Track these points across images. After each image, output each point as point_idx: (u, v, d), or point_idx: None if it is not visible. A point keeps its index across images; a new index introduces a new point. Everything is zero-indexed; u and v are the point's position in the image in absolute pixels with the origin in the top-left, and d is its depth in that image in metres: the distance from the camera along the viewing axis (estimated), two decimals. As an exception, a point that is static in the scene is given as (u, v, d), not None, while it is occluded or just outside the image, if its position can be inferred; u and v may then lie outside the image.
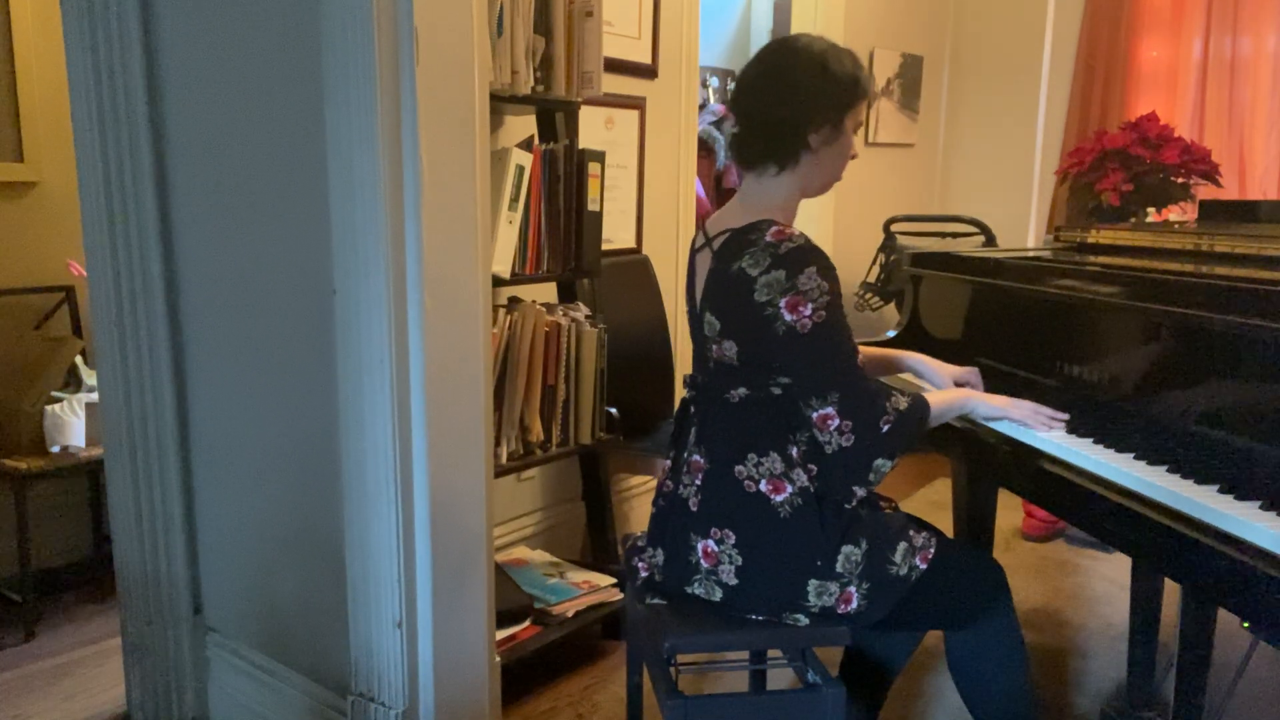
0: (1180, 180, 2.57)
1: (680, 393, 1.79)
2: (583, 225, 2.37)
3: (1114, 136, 2.63)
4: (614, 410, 2.51)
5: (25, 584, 2.59)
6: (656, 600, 1.68)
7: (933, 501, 3.68)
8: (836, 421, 1.50)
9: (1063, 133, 4.31)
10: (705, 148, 4.39)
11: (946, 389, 1.79)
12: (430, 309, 1.66)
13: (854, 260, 3.82)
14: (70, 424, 2.66)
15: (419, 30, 1.58)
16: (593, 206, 2.38)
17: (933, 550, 1.61)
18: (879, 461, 1.53)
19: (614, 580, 2.54)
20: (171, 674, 2.17)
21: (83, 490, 2.99)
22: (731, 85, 4.66)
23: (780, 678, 2.16)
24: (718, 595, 1.60)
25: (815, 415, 1.52)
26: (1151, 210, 2.61)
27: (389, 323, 1.64)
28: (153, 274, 2.04)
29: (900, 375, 1.96)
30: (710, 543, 1.59)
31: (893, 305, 3.68)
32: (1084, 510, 1.51)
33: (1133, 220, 2.56)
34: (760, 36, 4.70)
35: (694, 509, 1.62)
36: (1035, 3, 4.31)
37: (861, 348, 1.61)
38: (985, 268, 2.12)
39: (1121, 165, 2.57)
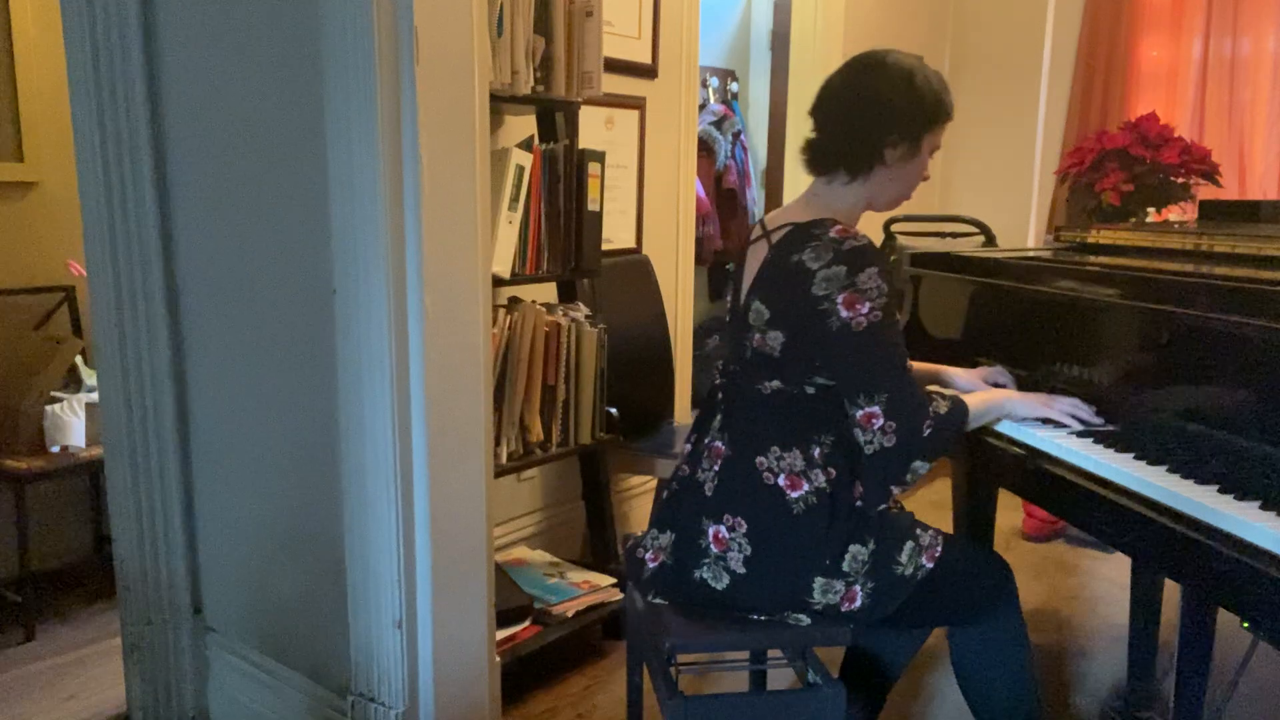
0: (1180, 180, 2.57)
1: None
2: (583, 225, 2.37)
3: (1114, 136, 2.62)
4: (614, 410, 2.51)
5: (25, 584, 2.59)
6: (657, 599, 1.68)
7: (933, 501, 3.67)
8: (881, 421, 1.51)
9: (1063, 133, 4.31)
10: (705, 148, 4.39)
11: (978, 389, 1.78)
12: (430, 309, 1.66)
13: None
14: (70, 424, 2.66)
15: (419, 29, 1.58)
16: (593, 206, 2.38)
17: (939, 549, 1.62)
18: (917, 463, 1.55)
19: (614, 580, 2.54)
20: (171, 674, 2.17)
21: (83, 490, 2.99)
22: (733, 85, 4.69)
23: (780, 678, 2.16)
24: (725, 582, 1.60)
25: (860, 413, 1.52)
26: (1151, 210, 2.61)
27: (389, 323, 1.64)
28: (153, 274, 2.04)
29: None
30: (722, 528, 1.59)
31: (893, 305, 3.67)
32: (1084, 510, 1.50)
33: (1133, 220, 2.56)
34: (760, 36, 4.70)
35: (709, 493, 1.63)
36: (1035, 3, 4.31)
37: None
38: (985, 268, 2.11)
39: (1121, 165, 2.57)
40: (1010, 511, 3.34)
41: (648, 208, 3.13)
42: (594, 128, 2.84)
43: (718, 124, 4.50)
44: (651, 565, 1.68)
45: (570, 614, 2.40)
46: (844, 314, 1.50)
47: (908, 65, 1.61)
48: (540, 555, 2.71)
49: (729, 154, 4.52)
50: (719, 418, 1.69)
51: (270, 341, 1.91)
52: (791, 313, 1.56)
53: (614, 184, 2.96)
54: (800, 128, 4.13)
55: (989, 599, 1.67)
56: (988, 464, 1.82)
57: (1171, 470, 1.39)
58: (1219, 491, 1.30)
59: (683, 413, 3.15)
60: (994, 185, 4.57)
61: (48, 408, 2.66)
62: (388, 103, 1.58)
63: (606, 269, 2.56)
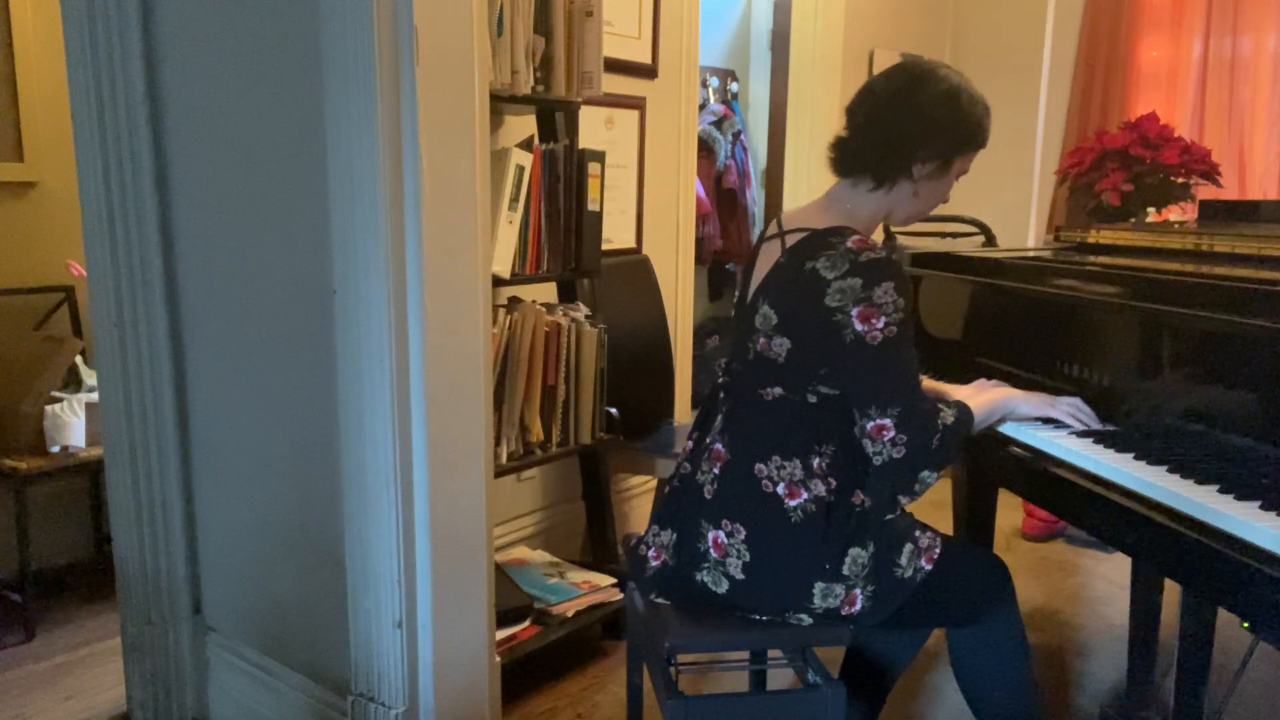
0: (1180, 180, 2.58)
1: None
2: (583, 225, 2.36)
3: (1114, 136, 2.63)
4: (614, 410, 2.51)
5: (25, 584, 2.59)
6: (659, 599, 1.68)
7: (933, 501, 3.66)
8: (891, 434, 1.51)
9: (1063, 133, 4.31)
10: (705, 148, 4.40)
11: (976, 392, 1.77)
12: (430, 309, 1.66)
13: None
14: (70, 424, 2.66)
15: (419, 29, 1.58)
16: (593, 206, 2.38)
17: (938, 550, 1.62)
18: (925, 473, 1.55)
19: (614, 580, 2.54)
20: (171, 674, 2.17)
21: (83, 490, 2.99)
22: (733, 85, 4.69)
23: (780, 678, 2.16)
24: (724, 587, 1.60)
25: (871, 425, 1.52)
26: (1151, 210, 2.61)
27: (389, 323, 1.64)
28: (152, 274, 2.04)
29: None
30: (721, 534, 1.59)
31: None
32: (1084, 511, 1.50)
33: (1133, 220, 2.56)
34: (760, 36, 4.70)
35: (708, 497, 1.62)
36: (1035, 3, 4.31)
37: None
38: (985, 268, 2.12)
39: (1121, 165, 2.58)
40: (1010, 511, 3.34)
41: (648, 208, 3.13)
42: (594, 128, 2.84)
43: (718, 124, 4.51)
44: (654, 564, 1.68)
45: (570, 614, 2.40)
46: (859, 327, 1.49)
47: (955, 82, 1.60)
48: (540, 555, 2.71)
49: (729, 154, 4.52)
50: (720, 419, 1.68)
51: (270, 341, 1.91)
52: (801, 321, 1.55)
53: (614, 184, 2.96)
54: (800, 128, 4.13)
55: (987, 600, 1.67)
56: (988, 464, 1.82)
57: (1172, 470, 1.39)
58: (1219, 491, 1.30)
59: (683, 413, 3.14)
60: (994, 185, 4.56)
61: (48, 408, 2.66)
62: (388, 102, 1.58)
63: (606, 269, 2.56)
